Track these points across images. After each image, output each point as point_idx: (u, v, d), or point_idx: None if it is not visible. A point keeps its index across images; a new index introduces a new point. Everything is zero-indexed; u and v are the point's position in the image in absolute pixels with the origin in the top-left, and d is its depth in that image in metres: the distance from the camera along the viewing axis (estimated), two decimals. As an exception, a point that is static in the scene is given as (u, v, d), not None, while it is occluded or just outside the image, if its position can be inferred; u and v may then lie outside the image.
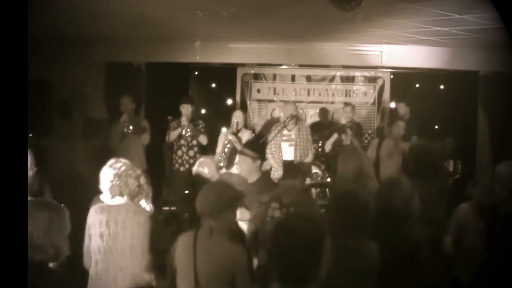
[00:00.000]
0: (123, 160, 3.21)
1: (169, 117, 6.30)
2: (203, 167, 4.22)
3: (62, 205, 2.34)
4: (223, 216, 2.72)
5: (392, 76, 8.42)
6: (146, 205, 3.35)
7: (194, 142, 6.39)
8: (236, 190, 2.88)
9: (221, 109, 8.48)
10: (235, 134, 6.18)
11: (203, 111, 8.53)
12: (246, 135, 6.29)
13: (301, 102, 8.24)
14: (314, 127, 7.54)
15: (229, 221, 2.82)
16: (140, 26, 6.07)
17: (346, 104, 7.82)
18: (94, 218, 3.08)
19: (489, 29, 5.32)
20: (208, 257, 2.63)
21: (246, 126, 7.55)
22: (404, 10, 4.81)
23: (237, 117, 6.30)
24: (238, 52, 7.37)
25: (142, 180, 3.20)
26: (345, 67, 8.31)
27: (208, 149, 6.46)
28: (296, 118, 5.98)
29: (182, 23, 5.80)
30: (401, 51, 7.07)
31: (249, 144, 4.68)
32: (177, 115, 6.37)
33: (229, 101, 8.75)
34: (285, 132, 5.89)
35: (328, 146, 6.87)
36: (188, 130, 6.27)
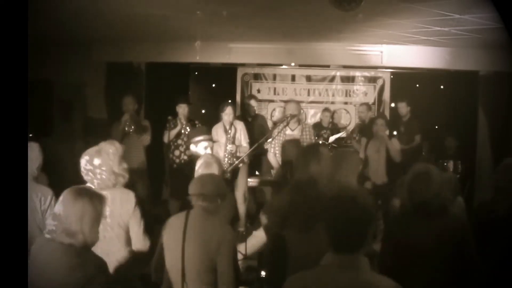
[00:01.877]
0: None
1: (169, 117, 6.29)
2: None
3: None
4: (215, 199, 2.80)
5: (392, 76, 8.41)
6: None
7: (192, 142, 6.40)
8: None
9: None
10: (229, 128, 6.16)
11: (203, 111, 8.52)
12: (239, 127, 6.27)
13: (301, 102, 8.22)
14: (316, 127, 7.52)
15: (221, 203, 2.87)
16: (140, 26, 6.08)
17: (362, 104, 7.88)
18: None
19: (489, 29, 5.32)
20: (196, 235, 2.68)
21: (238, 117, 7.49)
22: (404, 10, 4.82)
23: (228, 114, 6.22)
24: (238, 52, 7.37)
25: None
26: (345, 67, 8.31)
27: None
28: (298, 118, 5.93)
29: (182, 23, 5.80)
30: (401, 51, 7.07)
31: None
32: (177, 115, 6.37)
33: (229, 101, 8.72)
34: (288, 132, 5.85)
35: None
36: (187, 128, 6.27)
